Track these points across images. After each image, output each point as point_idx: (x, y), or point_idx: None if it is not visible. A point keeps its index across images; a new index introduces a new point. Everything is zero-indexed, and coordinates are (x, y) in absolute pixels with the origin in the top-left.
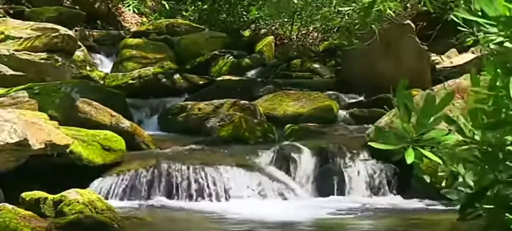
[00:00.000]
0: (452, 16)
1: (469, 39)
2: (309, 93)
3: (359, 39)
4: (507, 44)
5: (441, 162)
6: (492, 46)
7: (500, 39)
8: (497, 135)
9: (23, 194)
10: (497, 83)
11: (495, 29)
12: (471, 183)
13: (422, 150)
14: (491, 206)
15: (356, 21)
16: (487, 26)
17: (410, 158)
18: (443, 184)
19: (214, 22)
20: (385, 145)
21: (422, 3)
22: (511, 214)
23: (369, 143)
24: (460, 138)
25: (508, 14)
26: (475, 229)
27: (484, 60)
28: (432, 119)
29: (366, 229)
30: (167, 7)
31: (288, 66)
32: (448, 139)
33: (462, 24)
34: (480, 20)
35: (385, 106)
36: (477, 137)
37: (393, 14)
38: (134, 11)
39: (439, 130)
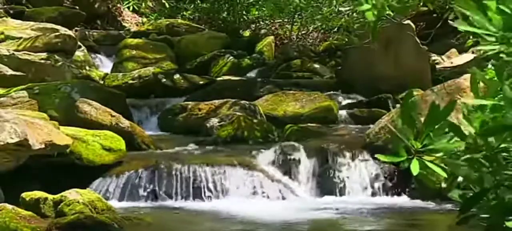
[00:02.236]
0: (450, 22)
1: (469, 40)
2: (309, 93)
3: (359, 38)
4: (503, 55)
5: (444, 174)
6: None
7: (497, 50)
8: (497, 140)
9: (23, 194)
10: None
11: (492, 39)
12: (472, 185)
13: (426, 162)
14: (491, 209)
15: (356, 21)
16: (485, 36)
17: (415, 170)
18: (443, 184)
19: (214, 22)
20: (390, 157)
21: (421, 3)
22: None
23: (376, 156)
24: (463, 144)
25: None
26: (474, 229)
27: (474, 73)
28: (435, 127)
29: (366, 229)
30: (167, 6)
31: (288, 66)
32: (452, 146)
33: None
34: (478, 31)
35: (380, 107)
36: (478, 142)
37: (392, 14)
38: (133, 9)
39: (443, 138)
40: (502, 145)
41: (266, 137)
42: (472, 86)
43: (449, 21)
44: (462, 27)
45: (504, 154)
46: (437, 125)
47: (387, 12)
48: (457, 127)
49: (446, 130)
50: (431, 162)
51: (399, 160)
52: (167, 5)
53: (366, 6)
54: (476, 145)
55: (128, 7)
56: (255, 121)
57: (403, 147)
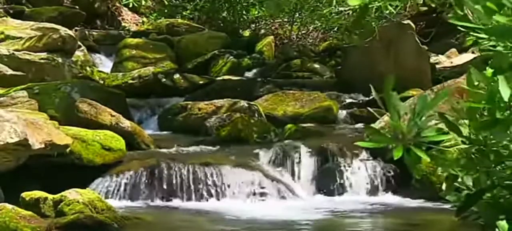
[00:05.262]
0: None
1: (469, 38)
2: (309, 93)
3: (359, 37)
4: (499, 48)
5: (430, 160)
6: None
7: (492, 43)
8: (492, 135)
9: (23, 194)
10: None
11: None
12: (469, 184)
13: (413, 148)
14: (487, 209)
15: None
16: (479, 31)
17: (397, 154)
18: (444, 184)
19: (214, 22)
20: (374, 143)
21: (421, 2)
22: (508, 216)
23: (356, 143)
24: (457, 137)
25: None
26: (473, 229)
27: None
28: (424, 117)
29: (366, 229)
30: (166, 3)
31: (288, 66)
32: (442, 137)
33: (461, 27)
34: (473, 26)
35: (369, 107)
36: (473, 136)
37: (393, 11)
38: (133, 9)
39: (434, 128)
40: (494, 140)
41: (266, 136)
42: (468, 81)
43: (452, 15)
44: (458, 22)
45: (501, 149)
46: (426, 113)
47: (387, 11)
48: (451, 120)
49: (436, 122)
50: (418, 148)
51: (381, 145)
52: (166, 3)
53: None
54: (470, 139)
55: (127, 5)
56: (254, 120)
57: (393, 136)
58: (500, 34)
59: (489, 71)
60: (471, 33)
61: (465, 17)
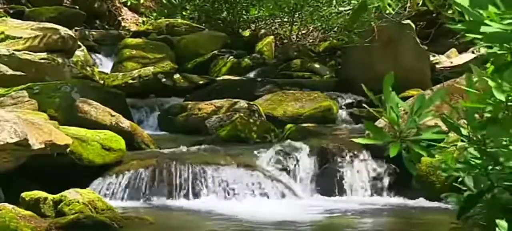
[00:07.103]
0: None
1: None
2: (309, 93)
3: (358, 37)
4: (495, 49)
5: (425, 154)
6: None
7: (489, 44)
8: (490, 135)
9: (23, 194)
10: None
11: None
12: (470, 184)
13: (412, 145)
14: (489, 209)
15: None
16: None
17: (393, 152)
18: (445, 184)
19: (214, 22)
20: (372, 140)
21: (420, 3)
22: (507, 216)
23: (355, 139)
24: (457, 137)
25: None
26: (474, 229)
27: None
28: (421, 114)
29: (366, 229)
30: (165, 1)
31: (288, 66)
32: (441, 136)
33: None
34: (468, 29)
35: (365, 106)
36: (473, 136)
37: (392, 12)
38: (133, 9)
39: (432, 127)
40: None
41: (266, 136)
42: (468, 82)
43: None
44: (455, 27)
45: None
46: (423, 112)
47: (387, 12)
48: (449, 119)
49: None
50: (415, 143)
51: (378, 141)
52: (164, 1)
53: None
54: (469, 138)
55: (125, 4)
56: (254, 120)
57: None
58: (494, 40)
59: (489, 68)
60: (468, 35)
61: (462, 17)
